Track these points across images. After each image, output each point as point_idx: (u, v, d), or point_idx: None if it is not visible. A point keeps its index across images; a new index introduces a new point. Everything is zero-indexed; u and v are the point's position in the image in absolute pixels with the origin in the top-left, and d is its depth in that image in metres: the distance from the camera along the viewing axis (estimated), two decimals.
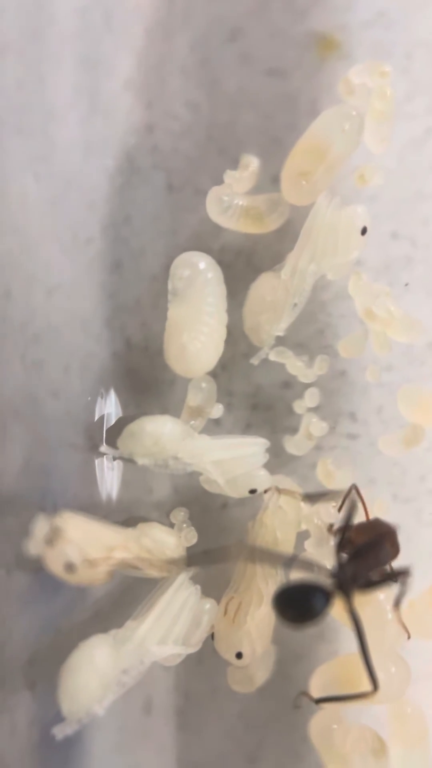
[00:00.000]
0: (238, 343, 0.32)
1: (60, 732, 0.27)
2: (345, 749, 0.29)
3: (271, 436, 0.31)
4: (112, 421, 0.32)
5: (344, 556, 0.26)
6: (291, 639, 0.32)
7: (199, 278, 0.28)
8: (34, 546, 0.27)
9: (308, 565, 0.25)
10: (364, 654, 0.26)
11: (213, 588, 0.30)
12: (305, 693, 0.29)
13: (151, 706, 0.33)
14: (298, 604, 0.25)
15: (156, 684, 0.33)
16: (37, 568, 0.32)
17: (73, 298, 0.32)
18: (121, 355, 0.32)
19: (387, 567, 0.27)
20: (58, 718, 0.33)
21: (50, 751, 0.33)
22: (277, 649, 0.32)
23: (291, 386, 0.32)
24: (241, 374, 0.32)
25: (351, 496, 0.27)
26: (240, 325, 0.31)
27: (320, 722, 0.29)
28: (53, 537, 0.27)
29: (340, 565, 0.26)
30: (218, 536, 0.32)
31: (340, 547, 0.26)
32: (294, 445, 0.31)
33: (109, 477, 0.32)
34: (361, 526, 0.27)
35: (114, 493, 0.32)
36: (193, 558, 0.25)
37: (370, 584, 0.26)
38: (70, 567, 0.26)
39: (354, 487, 0.27)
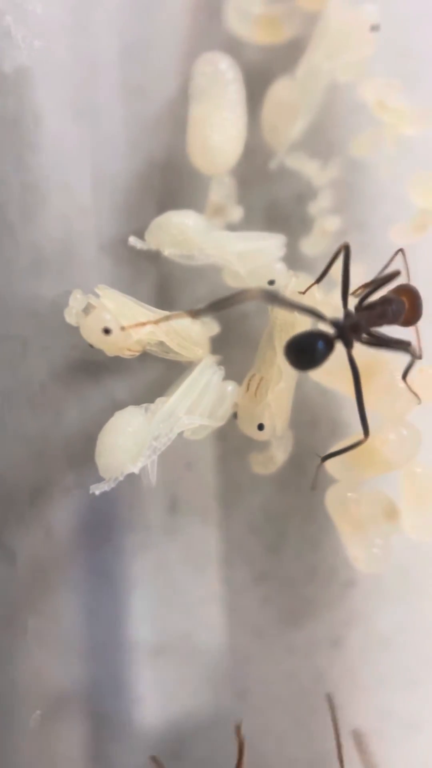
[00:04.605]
0: (254, 158, 0.34)
1: (97, 488, 0.29)
2: (359, 514, 0.31)
3: (287, 244, 0.33)
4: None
5: (351, 309, 0.29)
6: (306, 436, 0.35)
7: (219, 76, 0.30)
8: (71, 317, 0.29)
9: (318, 314, 0.28)
10: (358, 402, 0.28)
11: (235, 376, 0.32)
12: (319, 464, 0.31)
13: (176, 505, 0.35)
14: (304, 350, 0.27)
15: (180, 483, 0.35)
16: (68, 381, 0.34)
17: (100, 122, 0.34)
18: (145, 174, 0.34)
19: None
20: (90, 518, 0.35)
21: (82, 552, 0.35)
22: (294, 445, 0.34)
23: (305, 199, 0.34)
24: (257, 189, 0.34)
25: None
26: (255, 141, 0.33)
27: (336, 492, 0.31)
28: (90, 306, 0.29)
29: (345, 317, 0.28)
30: (238, 343, 0.34)
31: (359, 303, 0.29)
32: (309, 244, 0.33)
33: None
34: (381, 283, 0.29)
35: None
36: (214, 304, 0.27)
37: (378, 341, 0.28)
38: (107, 330, 0.28)
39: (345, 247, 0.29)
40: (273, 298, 0.27)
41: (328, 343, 0.27)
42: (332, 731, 0.34)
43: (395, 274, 0.29)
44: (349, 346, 0.28)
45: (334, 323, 0.28)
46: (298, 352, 0.27)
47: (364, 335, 0.28)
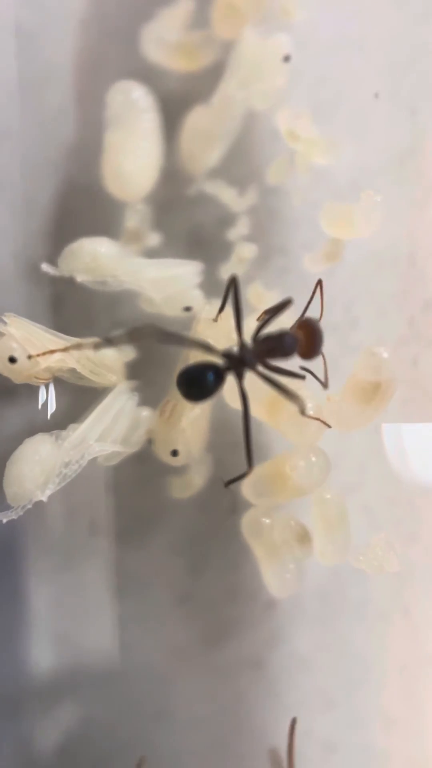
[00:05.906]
0: (174, 184, 0.34)
1: (4, 516, 0.29)
2: (273, 539, 0.31)
3: (208, 270, 0.33)
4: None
5: (246, 340, 0.29)
6: (228, 458, 0.35)
7: (132, 105, 0.30)
8: None
9: (209, 348, 0.28)
10: (245, 433, 0.28)
11: (155, 400, 0.32)
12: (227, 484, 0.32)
13: (96, 527, 0.35)
14: (194, 381, 0.28)
15: (100, 506, 0.35)
16: None
17: (18, 145, 0.34)
18: (64, 198, 0.34)
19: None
20: (5, 541, 0.35)
21: (1, 573, 0.35)
22: (216, 466, 0.34)
23: (226, 225, 0.34)
24: (178, 215, 0.34)
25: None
26: (174, 167, 0.33)
27: (251, 517, 0.32)
28: None
29: (240, 348, 0.29)
30: (158, 367, 0.34)
31: (255, 334, 0.29)
32: (228, 270, 0.33)
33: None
34: (273, 312, 0.29)
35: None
36: (122, 335, 0.27)
37: (269, 376, 0.29)
38: (12, 359, 0.28)
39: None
40: (162, 336, 0.27)
41: (218, 375, 0.27)
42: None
43: (286, 304, 0.29)
44: (240, 377, 0.28)
45: (226, 355, 0.28)
46: (188, 384, 0.27)
47: (260, 367, 0.29)
